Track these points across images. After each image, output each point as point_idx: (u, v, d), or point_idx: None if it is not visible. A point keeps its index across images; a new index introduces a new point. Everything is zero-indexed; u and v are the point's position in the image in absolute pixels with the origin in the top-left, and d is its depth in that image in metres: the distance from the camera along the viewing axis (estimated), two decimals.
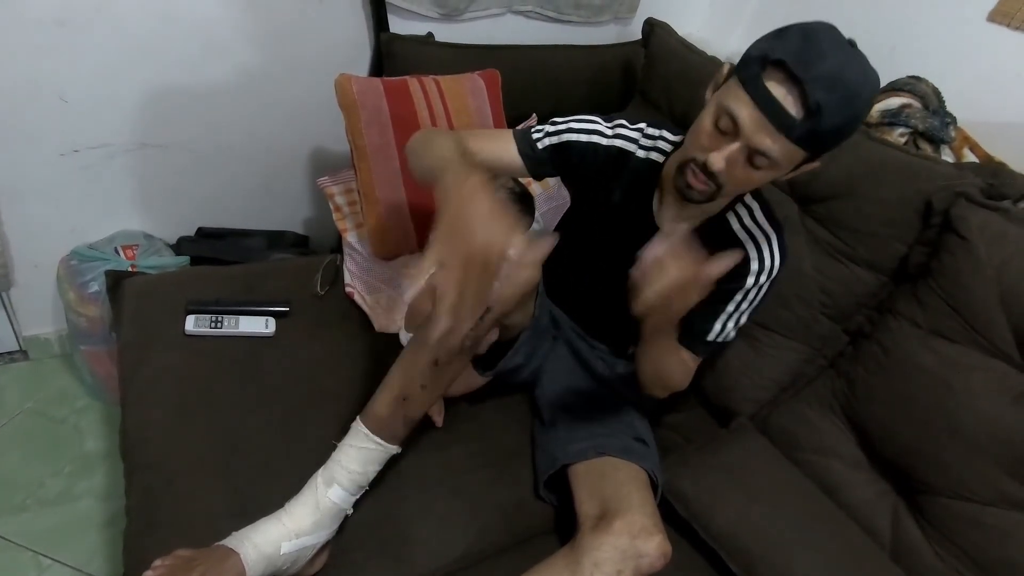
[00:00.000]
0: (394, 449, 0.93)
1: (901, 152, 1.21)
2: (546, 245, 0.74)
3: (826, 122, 0.76)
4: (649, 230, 1.03)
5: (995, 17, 1.33)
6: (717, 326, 1.02)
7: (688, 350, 1.03)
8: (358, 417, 0.93)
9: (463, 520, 1.02)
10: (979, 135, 1.33)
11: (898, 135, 1.30)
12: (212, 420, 1.03)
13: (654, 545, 0.87)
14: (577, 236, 1.11)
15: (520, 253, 0.70)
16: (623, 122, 1.03)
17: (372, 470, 0.93)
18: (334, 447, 0.93)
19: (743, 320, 1.03)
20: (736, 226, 0.99)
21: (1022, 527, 0.98)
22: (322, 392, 1.12)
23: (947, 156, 1.32)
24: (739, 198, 0.99)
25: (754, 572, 0.99)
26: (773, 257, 0.98)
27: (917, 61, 1.41)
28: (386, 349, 1.24)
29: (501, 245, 0.69)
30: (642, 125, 1.03)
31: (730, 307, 1.01)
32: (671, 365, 1.01)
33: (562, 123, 1.04)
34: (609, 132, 1.03)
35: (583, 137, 1.03)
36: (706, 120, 0.84)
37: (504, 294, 0.95)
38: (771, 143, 0.79)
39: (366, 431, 0.91)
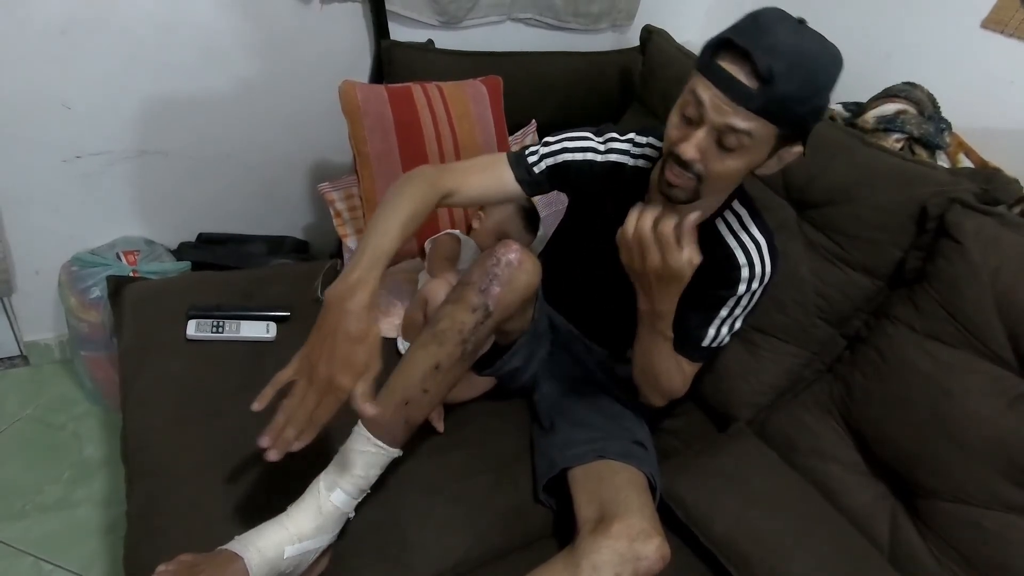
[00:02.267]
0: (395, 452, 0.94)
1: (897, 158, 1.22)
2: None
3: (781, 88, 0.76)
4: None
5: (989, 24, 1.35)
6: (711, 331, 1.03)
7: (684, 357, 1.04)
8: (360, 421, 0.94)
9: (463, 524, 1.02)
10: (974, 141, 1.35)
11: (894, 141, 1.31)
12: (213, 425, 1.04)
13: (653, 548, 0.88)
14: (573, 244, 1.12)
15: (363, 392, 0.81)
16: (614, 135, 1.05)
17: (374, 474, 0.93)
18: (335, 451, 0.93)
19: (737, 325, 1.04)
20: (726, 232, 1.00)
21: (1019, 530, 0.98)
22: None
23: (942, 161, 1.33)
24: (727, 204, 1.00)
25: None
26: (764, 263, 0.99)
27: (912, 67, 1.42)
28: (385, 354, 1.25)
29: (351, 379, 0.81)
30: (631, 135, 1.04)
31: (723, 312, 1.02)
32: (666, 368, 1.02)
33: (556, 143, 1.05)
34: (602, 148, 1.04)
35: (578, 156, 1.04)
36: (674, 114, 0.86)
37: (504, 299, 0.96)
38: (734, 118, 0.80)
39: (368, 435, 0.91)
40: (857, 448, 1.14)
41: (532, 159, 1.04)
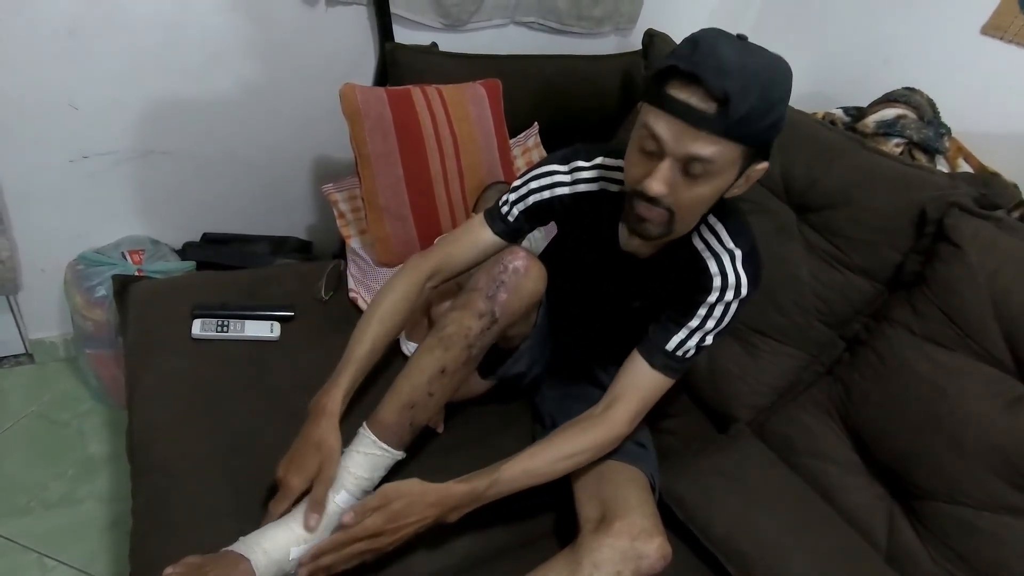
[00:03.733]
0: (400, 455, 0.95)
1: (896, 162, 1.23)
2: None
3: (739, 106, 0.75)
4: (620, 258, 1.03)
5: (988, 30, 1.36)
6: (679, 336, 0.98)
7: (645, 360, 0.99)
8: (364, 423, 0.94)
9: (463, 523, 1.02)
10: (973, 145, 1.36)
11: (893, 145, 1.32)
12: (218, 422, 1.05)
13: (654, 547, 0.88)
14: (564, 260, 1.13)
15: (315, 501, 0.89)
16: (579, 163, 1.02)
17: (378, 476, 0.94)
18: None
19: (708, 340, 0.98)
20: (702, 248, 0.97)
21: (1016, 531, 0.99)
22: None
23: (941, 166, 1.34)
24: (703, 221, 0.96)
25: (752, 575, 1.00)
26: (737, 273, 0.95)
27: (912, 72, 1.44)
28: (388, 354, 1.26)
29: (299, 481, 0.90)
30: (599, 159, 1.02)
31: (694, 322, 0.97)
32: (565, 457, 0.96)
33: (522, 186, 1.05)
34: (569, 179, 1.03)
35: (546, 193, 1.04)
36: (632, 149, 0.85)
37: (511, 306, 0.97)
38: (697, 146, 0.78)
39: (373, 438, 0.92)
40: (855, 449, 1.15)
41: (504, 209, 1.06)
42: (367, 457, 0.92)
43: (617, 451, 1.05)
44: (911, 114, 1.34)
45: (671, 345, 0.98)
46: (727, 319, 0.97)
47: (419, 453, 1.06)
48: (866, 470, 1.14)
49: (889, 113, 1.35)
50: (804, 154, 1.27)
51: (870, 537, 1.08)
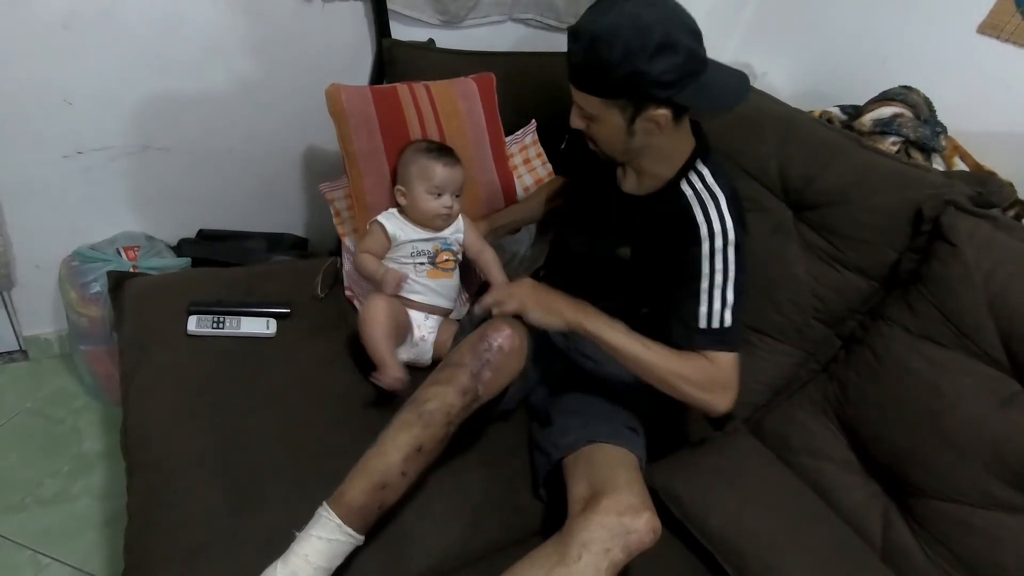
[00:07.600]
0: (360, 540, 0.88)
1: (893, 160, 1.23)
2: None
3: (575, 63, 0.96)
4: (617, 197, 1.13)
5: (985, 29, 1.36)
6: (702, 308, 1.00)
7: (688, 348, 1.01)
8: (326, 504, 0.87)
9: (460, 519, 1.03)
10: (969, 144, 1.36)
11: (890, 144, 1.32)
12: (213, 419, 1.04)
13: (642, 521, 0.87)
14: (570, 209, 1.24)
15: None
16: None
17: (336, 564, 0.86)
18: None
19: (729, 297, 1.00)
20: (688, 192, 1.05)
21: (1010, 529, 0.99)
22: (321, 392, 1.13)
23: (938, 164, 1.34)
24: (691, 164, 1.07)
25: (747, 573, 1.00)
26: (723, 218, 1.01)
27: (909, 71, 1.44)
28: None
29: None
30: None
31: (703, 283, 1.00)
32: (654, 367, 1.01)
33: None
34: None
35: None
36: None
37: (494, 384, 0.97)
38: (574, 94, 1.00)
39: (338, 521, 0.85)
40: (851, 447, 1.15)
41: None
42: (329, 544, 0.84)
43: (609, 433, 1.05)
44: (908, 112, 1.35)
45: (703, 321, 1.01)
46: (731, 269, 1.01)
47: None
48: (862, 468, 1.14)
49: (886, 111, 1.35)
50: (801, 152, 1.27)
51: (865, 535, 1.08)
